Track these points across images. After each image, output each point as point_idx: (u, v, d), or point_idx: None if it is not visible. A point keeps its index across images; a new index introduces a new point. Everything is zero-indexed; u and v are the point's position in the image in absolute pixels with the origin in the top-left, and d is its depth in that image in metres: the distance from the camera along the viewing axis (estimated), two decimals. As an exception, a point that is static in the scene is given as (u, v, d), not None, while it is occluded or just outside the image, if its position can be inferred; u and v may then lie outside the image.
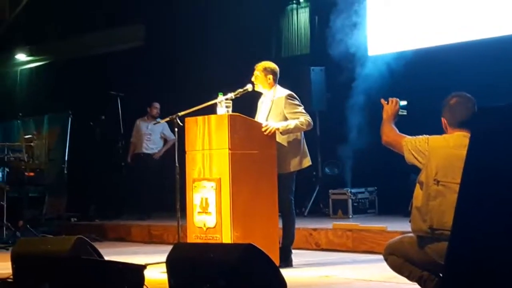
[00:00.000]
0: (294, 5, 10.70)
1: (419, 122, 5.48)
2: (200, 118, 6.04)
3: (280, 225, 6.21)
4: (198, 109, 6.25)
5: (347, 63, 9.04)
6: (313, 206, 9.48)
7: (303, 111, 6.18)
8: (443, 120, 4.12)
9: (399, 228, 6.69)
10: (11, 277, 4.59)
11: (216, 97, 6.07)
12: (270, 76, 6.29)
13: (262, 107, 6.36)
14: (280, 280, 3.60)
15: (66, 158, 10.02)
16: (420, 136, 4.10)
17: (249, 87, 6.25)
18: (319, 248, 7.40)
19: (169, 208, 7.68)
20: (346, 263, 6.44)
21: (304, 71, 9.58)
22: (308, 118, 6.15)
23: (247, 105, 6.50)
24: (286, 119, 6.14)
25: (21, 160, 9.59)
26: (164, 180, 9.03)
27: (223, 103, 6.00)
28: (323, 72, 9.56)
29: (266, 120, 6.16)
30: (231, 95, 6.11)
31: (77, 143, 10.43)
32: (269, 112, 6.22)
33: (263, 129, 5.97)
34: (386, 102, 4.34)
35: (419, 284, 4.12)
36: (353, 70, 8.88)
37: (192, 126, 6.10)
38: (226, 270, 3.51)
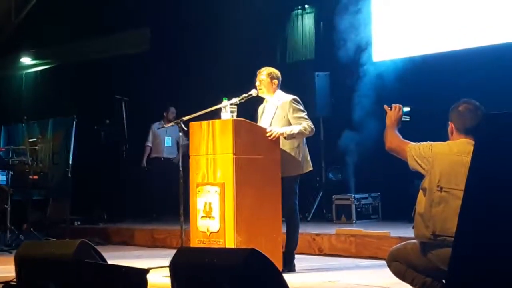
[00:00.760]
0: (299, 11, 10.70)
1: (423, 128, 5.48)
2: (204, 122, 6.04)
3: (284, 229, 6.21)
4: (203, 114, 6.26)
5: (352, 68, 9.06)
6: (316, 211, 9.47)
7: (306, 117, 6.18)
8: (451, 124, 4.12)
9: (402, 234, 6.68)
10: (15, 280, 4.60)
11: (220, 102, 6.08)
12: (275, 81, 6.32)
13: (265, 112, 6.36)
14: (283, 285, 3.59)
15: (70, 162, 10.01)
16: (424, 143, 4.11)
17: (253, 92, 6.26)
18: (322, 253, 7.38)
19: (175, 212, 7.64)
20: (349, 269, 6.43)
21: (308, 76, 9.59)
22: (311, 124, 6.15)
23: (251, 110, 6.50)
24: (289, 123, 6.14)
25: (25, 164, 9.61)
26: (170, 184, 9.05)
27: (228, 108, 6.00)
28: (328, 78, 9.56)
29: (270, 125, 6.16)
30: (235, 100, 6.11)
31: (81, 147, 10.43)
32: (273, 117, 6.23)
33: (267, 134, 5.98)
34: (389, 108, 4.34)
35: (422, 291, 4.12)
36: (358, 76, 8.89)
37: (196, 130, 6.10)
38: (229, 275, 3.51)
